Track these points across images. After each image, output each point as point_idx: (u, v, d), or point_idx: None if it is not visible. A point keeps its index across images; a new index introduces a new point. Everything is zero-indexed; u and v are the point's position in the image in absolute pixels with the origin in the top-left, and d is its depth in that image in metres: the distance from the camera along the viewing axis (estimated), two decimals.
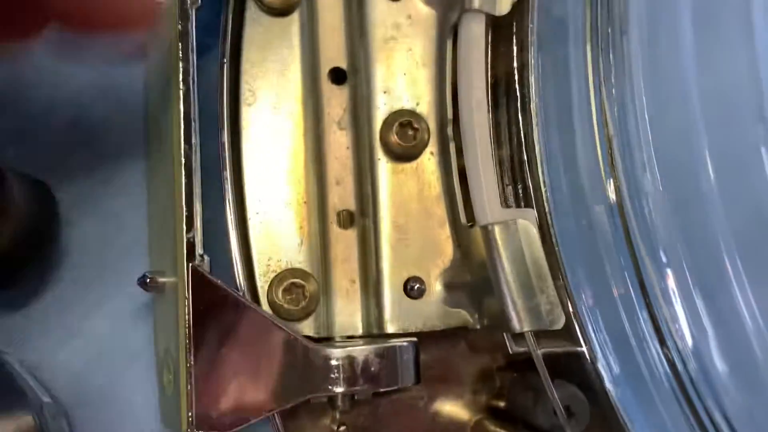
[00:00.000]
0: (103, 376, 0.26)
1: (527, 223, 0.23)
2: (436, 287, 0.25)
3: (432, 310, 0.25)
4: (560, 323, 0.22)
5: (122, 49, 0.23)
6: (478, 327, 0.25)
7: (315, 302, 0.24)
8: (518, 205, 0.23)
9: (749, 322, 0.22)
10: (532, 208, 0.23)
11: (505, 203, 0.23)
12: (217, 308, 0.22)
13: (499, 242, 0.22)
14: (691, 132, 0.22)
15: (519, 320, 0.22)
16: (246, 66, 0.26)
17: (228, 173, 0.24)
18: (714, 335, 0.22)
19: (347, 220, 0.26)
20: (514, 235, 0.22)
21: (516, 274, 0.22)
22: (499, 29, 0.24)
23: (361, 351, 0.21)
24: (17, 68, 0.27)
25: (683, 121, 0.22)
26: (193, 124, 0.22)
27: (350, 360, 0.21)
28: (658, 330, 0.23)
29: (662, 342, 0.23)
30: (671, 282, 0.23)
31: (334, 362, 0.21)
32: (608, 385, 0.23)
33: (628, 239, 0.23)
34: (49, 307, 0.26)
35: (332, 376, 0.21)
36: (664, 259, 0.22)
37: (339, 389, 0.21)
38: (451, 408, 0.27)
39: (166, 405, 0.25)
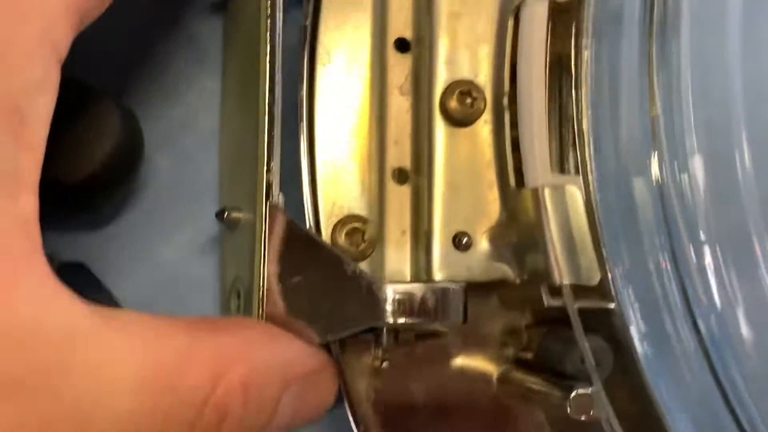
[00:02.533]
0: (168, 302, 0.29)
1: (574, 189, 0.25)
2: (482, 243, 0.27)
3: (477, 263, 0.27)
4: (596, 280, 0.25)
5: None
6: (518, 282, 0.27)
7: (371, 247, 0.27)
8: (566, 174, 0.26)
9: None
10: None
11: (554, 170, 0.26)
12: (289, 242, 0.24)
13: (548, 204, 0.25)
14: (732, 119, 0.24)
15: (560, 274, 0.25)
16: (323, 28, 0.28)
17: (304, 125, 0.26)
18: (742, 306, 0.25)
19: (402, 177, 0.28)
20: (562, 198, 0.25)
21: (560, 233, 0.25)
22: (560, 14, 0.26)
23: (419, 288, 0.24)
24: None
25: (724, 107, 0.24)
26: (277, 76, 0.25)
27: (409, 296, 0.24)
28: (687, 299, 0.26)
29: (690, 310, 0.26)
30: (707, 258, 0.25)
31: (395, 296, 0.24)
32: (635, 341, 0.25)
33: (667, 216, 0.25)
34: (125, 232, 0.29)
35: (392, 308, 0.24)
36: (702, 237, 0.25)
37: (399, 320, 0.24)
38: (480, 357, 0.30)
39: None
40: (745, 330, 0.26)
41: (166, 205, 0.29)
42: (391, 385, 0.29)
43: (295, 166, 0.27)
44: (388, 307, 0.24)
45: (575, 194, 0.25)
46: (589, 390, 0.25)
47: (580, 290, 0.26)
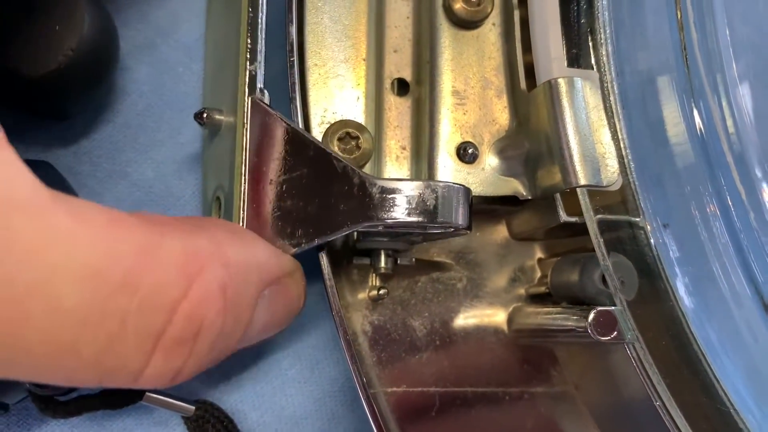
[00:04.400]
0: None
1: (590, 82, 0.22)
2: (489, 154, 0.25)
3: (484, 176, 0.25)
4: (616, 184, 0.22)
5: None
6: (530, 198, 0.24)
7: (367, 157, 0.24)
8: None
9: None
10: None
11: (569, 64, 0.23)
12: (273, 138, 0.22)
13: (563, 94, 0.22)
14: None
15: (575, 174, 0.22)
16: None
17: (293, 27, 0.24)
18: None
19: (402, 88, 0.26)
20: (578, 90, 0.22)
21: (576, 126, 0.22)
22: None
23: (416, 185, 0.21)
24: None
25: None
26: None
27: (406, 191, 0.21)
28: (740, 243, 0.23)
29: (744, 255, 0.23)
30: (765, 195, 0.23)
31: (391, 194, 0.21)
32: (674, 267, 0.22)
33: (710, 153, 0.23)
34: (97, 147, 0.26)
35: (387, 205, 0.21)
36: (758, 174, 0.22)
37: (395, 219, 0.21)
38: (489, 293, 0.27)
39: None
40: None
41: (144, 119, 0.27)
42: (390, 319, 0.26)
43: (283, 75, 0.24)
44: (383, 205, 0.21)
45: (592, 87, 0.22)
46: (611, 308, 0.22)
47: (601, 205, 0.23)
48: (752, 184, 0.23)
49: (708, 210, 0.24)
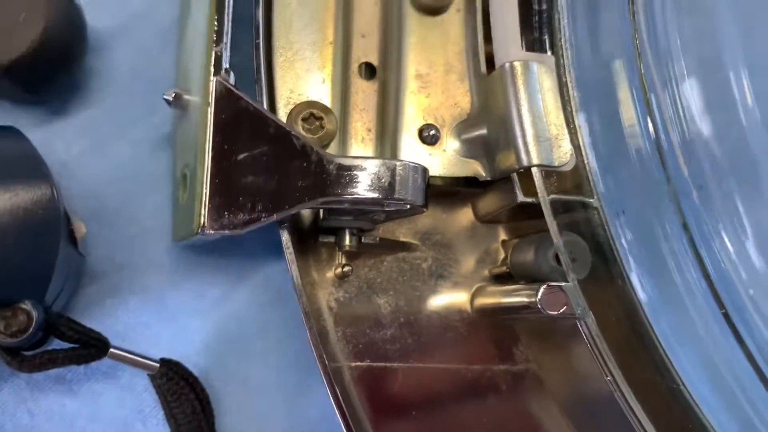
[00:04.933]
0: (119, 198, 0.27)
1: (546, 66, 0.23)
2: (450, 137, 0.25)
3: (445, 158, 0.25)
4: (569, 164, 0.23)
5: None
6: (489, 179, 0.25)
7: (331, 137, 0.25)
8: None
9: None
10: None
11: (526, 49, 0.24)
12: (237, 117, 0.23)
13: (519, 77, 0.23)
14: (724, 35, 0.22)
15: (528, 154, 0.22)
16: None
17: (260, 10, 0.25)
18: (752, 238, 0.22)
19: (369, 72, 0.27)
20: (533, 72, 0.23)
21: (530, 107, 0.23)
22: None
23: (373, 163, 0.22)
24: None
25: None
26: None
27: (362, 168, 0.22)
28: (691, 236, 0.23)
29: (695, 248, 0.23)
30: (712, 190, 0.23)
31: (348, 170, 0.22)
32: (625, 251, 0.23)
33: (662, 151, 0.23)
34: (72, 125, 0.27)
35: (344, 182, 0.22)
36: (707, 170, 0.22)
37: (350, 193, 0.22)
38: (454, 273, 0.27)
39: (179, 217, 0.26)
40: (757, 261, 0.23)
41: (120, 100, 0.27)
42: (356, 296, 0.27)
43: (251, 57, 0.25)
44: (340, 182, 0.22)
45: (547, 70, 0.23)
46: (561, 284, 0.23)
47: (559, 189, 0.24)
48: (703, 178, 0.24)
49: (660, 200, 0.24)
